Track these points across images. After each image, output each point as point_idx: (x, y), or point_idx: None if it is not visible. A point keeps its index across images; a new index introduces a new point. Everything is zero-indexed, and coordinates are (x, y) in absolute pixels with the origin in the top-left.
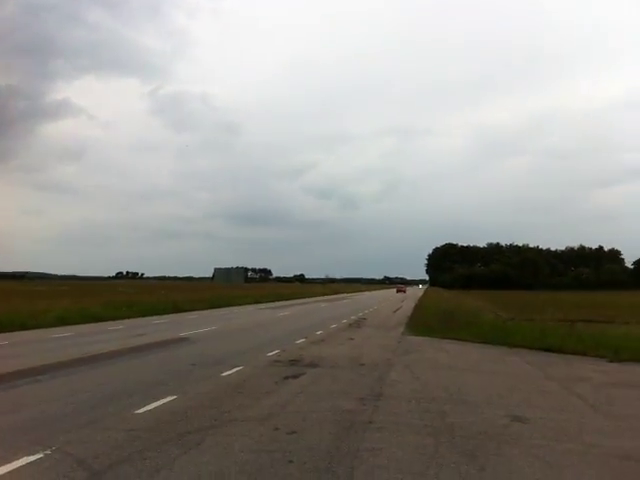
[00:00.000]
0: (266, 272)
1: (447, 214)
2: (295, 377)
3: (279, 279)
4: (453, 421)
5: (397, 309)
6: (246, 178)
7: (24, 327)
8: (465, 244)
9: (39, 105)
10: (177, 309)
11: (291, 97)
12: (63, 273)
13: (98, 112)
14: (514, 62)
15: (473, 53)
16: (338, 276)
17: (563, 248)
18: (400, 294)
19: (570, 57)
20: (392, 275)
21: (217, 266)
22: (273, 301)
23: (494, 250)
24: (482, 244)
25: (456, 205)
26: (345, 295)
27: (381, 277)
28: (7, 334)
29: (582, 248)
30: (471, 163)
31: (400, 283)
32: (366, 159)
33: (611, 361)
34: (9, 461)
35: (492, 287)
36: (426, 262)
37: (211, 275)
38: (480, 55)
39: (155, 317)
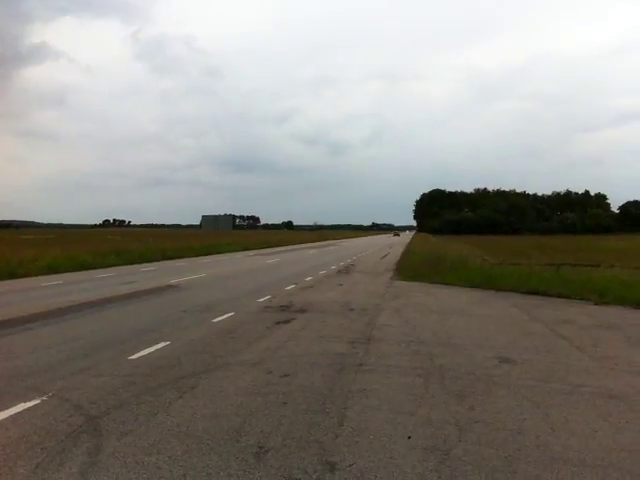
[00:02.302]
0: (254, 219)
1: (435, 160)
2: (286, 322)
3: (267, 226)
4: (442, 363)
5: (385, 255)
6: (231, 124)
7: (13, 276)
8: (453, 190)
9: (15, 49)
10: (165, 257)
11: (276, 40)
12: (49, 221)
13: (78, 56)
14: (505, 4)
15: None
16: (326, 223)
17: (550, 193)
18: (389, 240)
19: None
20: (380, 222)
21: (205, 213)
22: (261, 248)
23: (481, 196)
24: (470, 190)
25: (444, 151)
26: (334, 242)
27: (369, 224)
28: None
29: (568, 193)
30: (459, 108)
31: (388, 229)
32: (353, 104)
33: (596, 304)
34: (6, 407)
35: (480, 232)
36: (414, 208)
37: (199, 223)
38: None
39: (144, 265)
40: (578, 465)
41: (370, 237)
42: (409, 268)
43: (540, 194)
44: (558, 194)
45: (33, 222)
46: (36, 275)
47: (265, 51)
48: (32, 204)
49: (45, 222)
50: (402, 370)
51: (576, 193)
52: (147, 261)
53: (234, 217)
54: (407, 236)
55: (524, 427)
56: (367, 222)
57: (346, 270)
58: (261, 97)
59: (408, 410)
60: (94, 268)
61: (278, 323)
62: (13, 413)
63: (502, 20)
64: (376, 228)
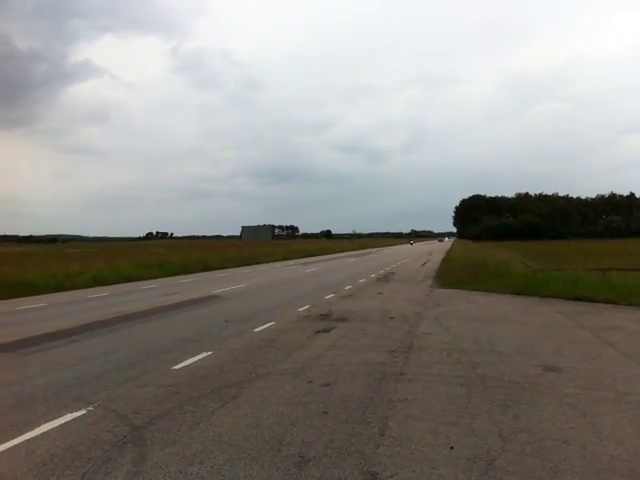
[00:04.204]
0: (293, 229)
1: (475, 165)
2: (326, 331)
3: (306, 235)
4: (485, 371)
5: (425, 262)
6: (270, 135)
7: (60, 289)
8: (493, 195)
9: (61, 67)
10: (207, 268)
11: (313, 49)
12: (94, 235)
13: (121, 72)
14: (543, 5)
15: None
16: (365, 231)
17: (593, 196)
18: (429, 247)
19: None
20: (419, 229)
21: (244, 224)
22: (301, 258)
23: (523, 200)
24: (510, 194)
25: (484, 155)
26: (372, 250)
27: (408, 231)
28: (44, 296)
29: (613, 196)
30: (499, 111)
31: (427, 236)
32: (391, 110)
33: None
34: (55, 417)
35: (521, 238)
36: (453, 214)
37: (239, 233)
38: None
39: (186, 276)
40: (627, 476)
41: (409, 245)
42: (449, 275)
43: (584, 197)
44: (602, 197)
45: (78, 236)
46: (82, 288)
47: (302, 60)
48: (77, 218)
49: (90, 236)
50: (444, 379)
51: (621, 196)
52: (189, 272)
53: (273, 227)
54: (447, 243)
55: (570, 437)
56: (406, 229)
57: (385, 278)
58: (299, 106)
59: (450, 420)
60: (138, 280)
61: (318, 332)
62: (61, 423)
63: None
64: (415, 235)
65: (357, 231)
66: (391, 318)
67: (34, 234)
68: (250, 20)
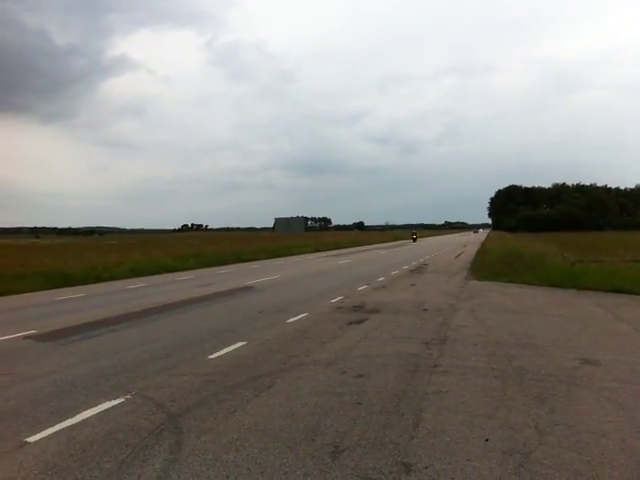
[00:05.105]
0: (325, 221)
1: (510, 155)
2: (359, 322)
3: (338, 227)
4: (520, 364)
5: (459, 254)
6: (302, 126)
7: (99, 280)
8: (529, 185)
9: (98, 62)
10: (240, 259)
11: (345, 40)
12: (131, 227)
13: (156, 66)
14: None
15: None
16: (398, 223)
17: (632, 187)
18: (463, 238)
19: None
20: (453, 220)
21: (277, 216)
22: (333, 249)
23: (560, 191)
24: (547, 185)
25: (519, 145)
26: (405, 242)
27: (442, 222)
28: (84, 287)
29: None
30: (535, 100)
31: (461, 228)
32: (425, 101)
33: None
34: (94, 405)
35: (558, 229)
36: (488, 205)
37: (272, 225)
38: None
39: (220, 267)
40: None
41: (443, 236)
42: (484, 267)
43: (622, 188)
44: None
45: (116, 228)
46: (120, 279)
47: (335, 52)
48: (114, 211)
49: (127, 228)
50: (478, 372)
51: None
52: (223, 263)
53: (306, 219)
54: (482, 234)
55: (608, 430)
56: (440, 221)
57: (419, 270)
58: (332, 98)
59: (485, 412)
60: (174, 271)
61: (351, 323)
62: (99, 411)
63: (579, 8)
64: (449, 227)
65: (390, 223)
66: (425, 310)
67: (73, 226)
68: (282, 11)
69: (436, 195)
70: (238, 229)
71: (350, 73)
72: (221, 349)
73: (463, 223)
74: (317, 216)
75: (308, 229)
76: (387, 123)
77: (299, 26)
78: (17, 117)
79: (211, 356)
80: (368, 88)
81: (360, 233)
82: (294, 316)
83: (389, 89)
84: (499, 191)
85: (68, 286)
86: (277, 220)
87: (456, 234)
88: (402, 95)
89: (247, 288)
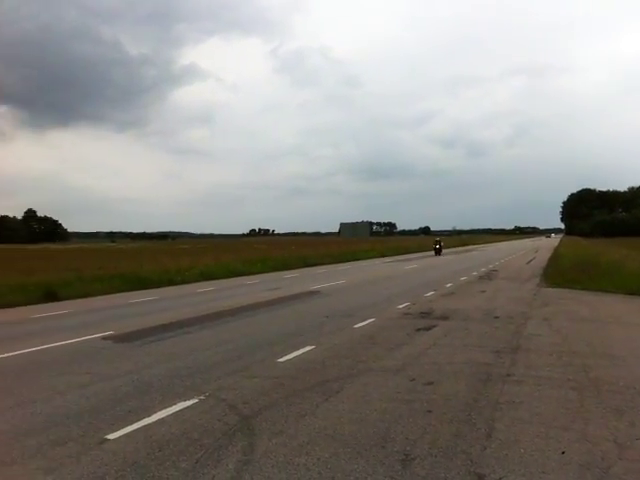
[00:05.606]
0: (391, 226)
1: (583, 158)
2: (427, 329)
3: (404, 232)
4: (598, 375)
5: (531, 260)
6: (367, 131)
7: (172, 283)
8: (603, 189)
9: (168, 72)
10: (306, 264)
11: (411, 42)
12: (201, 232)
13: (224, 74)
14: None
15: None
16: (465, 227)
17: None
18: (535, 243)
19: None
20: (523, 225)
21: (342, 221)
22: (399, 254)
23: (636, 194)
24: (622, 188)
25: (593, 147)
26: (474, 247)
27: (512, 227)
28: (157, 289)
29: None
30: (608, 101)
31: (532, 233)
32: (493, 102)
33: None
34: (169, 405)
35: (635, 234)
36: (561, 210)
37: (337, 230)
38: None
39: (286, 271)
40: None
41: (513, 241)
42: (557, 274)
43: None
44: None
45: (187, 233)
46: (192, 282)
47: (400, 55)
48: (185, 216)
49: (197, 232)
50: (554, 382)
51: None
52: (289, 268)
53: (371, 224)
54: (554, 239)
55: None
56: (509, 226)
57: (488, 276)
58: (397, 101)
59: (561, 424)
60: (242, 275)
61: (419, 330)
62: (175, 411)
63: None
64: (519, 232)
65: (457, 227)
66: (496, 317)
67: (147, 231)
68: (347, 16)
69: (505, 199)
70: (304, 234)
71: (416, 75)
72: (290, 353)
73: (534, 228)
74: (382, 221)
75: (373, 234)
76: (454, 125)
77: (364, 30)
78: (93, 126)
79: (280, 359)
80: (434, 90)
81: (426, 238)
82: (361, 321)
83: (456, 90)
84: (572, 195)
85: (143, 289)
86: (342, 225)
87: (527, 239)
88: (470, 96)
89: (313, 293)
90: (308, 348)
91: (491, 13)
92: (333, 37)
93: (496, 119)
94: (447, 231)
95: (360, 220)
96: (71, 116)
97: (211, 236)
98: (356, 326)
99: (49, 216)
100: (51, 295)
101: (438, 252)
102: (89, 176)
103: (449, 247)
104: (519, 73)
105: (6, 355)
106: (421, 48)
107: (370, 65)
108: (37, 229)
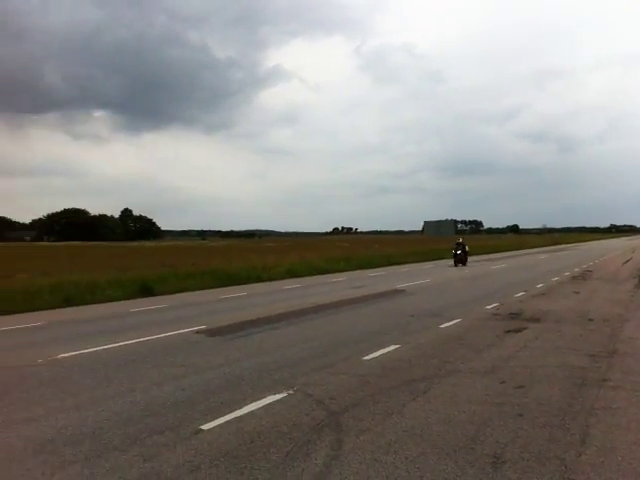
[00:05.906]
0: (476, 224)
1: None
2: (517, 331)
3: (490, 230)
4: None
5: (627, 260)
6: (452, 127)
7: (259, 280)
8: None
9: (254, 74)
10: (390, 262)
11: (496, 35)
12: (285, 230)
13: (307, 75)
14: None
15: None
16: (557, 225)
17: None
18: (632, 242)
19: None
20: (619, 223)
21: (426, 219)
22: (485, 253)
23: None
24: None
25: None
26: (566, 246)
27: (607, 225)
28: (246, 286)
29: None
30: None
31: (629, 231)
32: (585, 95)
33: None
34: (259, 398)
35: None
36: None
37: (421, 228)
38: None
39: (370, 270)
40: None
41: (609, 240)
42: None
43: None
44: None
45: (273, 231)
46: (278, 279)
47: (485, 49)
48: (271, 214)
49: (282, 231)
50: None
51: None
52: (373, 266)
53: (455, 222)
54: None
55: None
56: (604, 224)
57: (582, 276)
58: (482, 96)
59: None
60: (326, 273)
61: (508, 332)
62: (265, 404)
63: None
64: (615, 230)
65: (548, 225)
66: (590, 320)
67: (234, 229)
68: (429, 11)
69: (600, 196)
70: (387, 232)
71: (501, 70)
72: (375, 351)
73: (631, 226)
74: (467, 219)
75: (458, 232)
76: (542, 119)
77: (448, 25)
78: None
79: (366, 357)
80: (521, 84)
81: (515, 237)
82: (447, 321)
83: (543, 84)
84: None
85: (232, 285)
86: (426, 223)
87: (623, 238)
88: (558, 89)
89: (398, 291)
90: (393, 347)
91: (581, 3)
92: (416, 33)
93: (588, 112)
94: (537, 229)
95: (444, 218)
96: (163, 119)
97: (295, 234)
98: (442, 326)
99: (144, 215)
100: (147, 290)
101: (460, 261)
102: (180, 176)
103: (540, 246)
104: (612, 64)
105: (108, 347)
106: (507, 41)
107: (454, 60)
108: (133, 227)
